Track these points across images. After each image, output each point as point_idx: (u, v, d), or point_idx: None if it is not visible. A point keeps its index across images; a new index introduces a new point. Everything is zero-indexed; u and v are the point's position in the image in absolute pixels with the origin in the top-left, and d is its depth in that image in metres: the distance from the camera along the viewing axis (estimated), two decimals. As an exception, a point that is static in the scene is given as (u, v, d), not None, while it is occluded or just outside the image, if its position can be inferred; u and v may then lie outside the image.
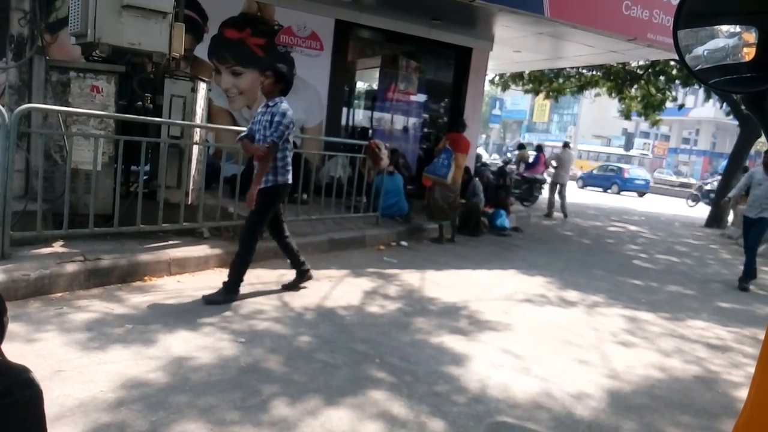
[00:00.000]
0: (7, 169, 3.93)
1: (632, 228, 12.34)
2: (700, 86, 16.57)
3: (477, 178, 8.95)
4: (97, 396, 2.63)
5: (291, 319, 3.99)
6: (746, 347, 4.55)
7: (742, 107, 13.19)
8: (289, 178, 4.43)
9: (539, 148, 14.38)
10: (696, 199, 21.63)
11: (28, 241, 4.26)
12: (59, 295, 3.90)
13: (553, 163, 12.74)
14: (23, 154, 4.64)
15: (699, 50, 0.78)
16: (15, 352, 2.93)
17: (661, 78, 14.64)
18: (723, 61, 0.74)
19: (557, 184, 12.25)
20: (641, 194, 25.38)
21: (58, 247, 4.38)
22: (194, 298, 4.14)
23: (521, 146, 16.35)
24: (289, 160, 4.41)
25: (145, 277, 4.43)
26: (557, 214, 12.31)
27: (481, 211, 8.61)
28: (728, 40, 0.74)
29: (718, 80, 0.76)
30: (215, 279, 4.68)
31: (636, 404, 3.27)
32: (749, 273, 6.93)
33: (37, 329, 3.30)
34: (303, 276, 4.70)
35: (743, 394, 3.73)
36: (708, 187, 21.86)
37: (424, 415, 2.82)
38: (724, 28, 0.77)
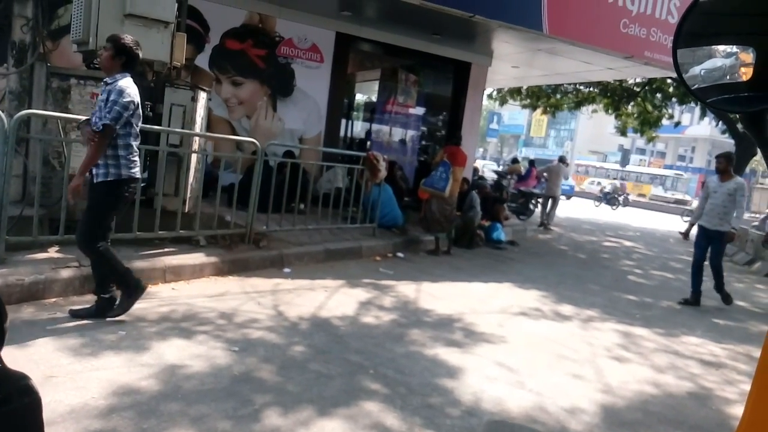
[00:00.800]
0: (4, 174, 3.93)
1: (627, 243, 12.37)
2: (696, 104, 16.70)
3: (474, 191, 8.98)
4: (89, 403, 2.62)
5: (285, 329, 3.98)
6: (740, 364, 4.55)
7: (738, 126, 13.31)
8: (137, 172, 3.70)
9: (531, 163, 14.81)
10: (690, 215, 21.90)
11: (24, 246, 4.25)
12: (53, 300, 3.89)
13: (545, 175, 12.87)
14: (21, 159, 4.64)
15: (696, 69, 0.79)
16: (7, 357, 2.91)
17: (658, 95, 14.78)
18: (720, 80, 0.76)
19: (548, 197, 12.40)
20: (568, 197, 26.28)
21: (53, 253, 4.37)
22: (189, 306, 4.13)
23: (515, 160, 16.53)
24: (136, 149, 3.69)
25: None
26: (553, 228, 12.37)
27: (477, 224, 8.63)
28: (725, 60, 0.76)
29: (717, 99, 0.77)
30: (210, 287, 4.68)
31: (629, 420, 3.27)
32: (696, 295, 6.47)
33: (30, 334, 3.29)
34: (105, 305, 3.72)
35: (737, 410, 3.74)
36: None
37: (418, 427, 2.81)
38: (722, 48, 0.78)
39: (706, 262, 6.50)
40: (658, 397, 3.66)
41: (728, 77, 0.79)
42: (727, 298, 6.63)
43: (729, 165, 6.30)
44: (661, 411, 3.45)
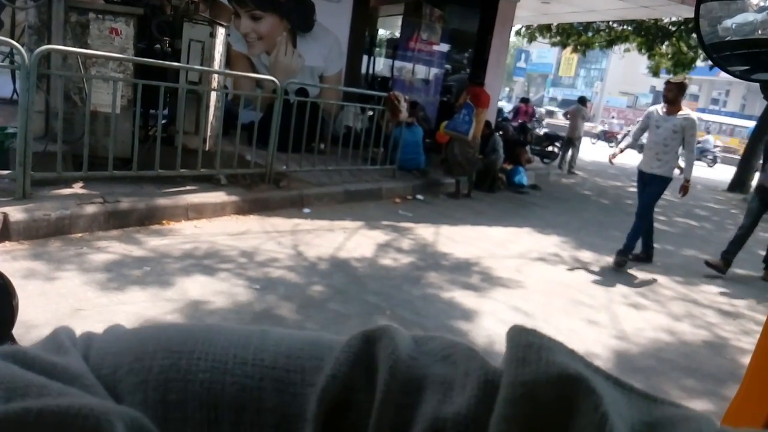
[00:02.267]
0: (27, 109, 3.95)
1: (652, 190, 12.17)
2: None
3: (497, 134, 8.82)
4: (116, 335, 2.72)
5: (305, 269, 4.05)
6: (759, 315, 4.53)
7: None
8: None
9: (524, 100, 15.61)
10: (715, 161, 22.07)
11: (49, 181, 4.33)
12: (79, 235, 3.99)
13: (567, 117, 12.62)
14: (43, 95, 4.65)
15: (728, 22, 0.74)
16: (36, 290, 3.03)
17: (693, 36, 14.09)
18: (751, 35, 0.71)
19: (570, 139, 12.15)
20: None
21: (77, 189, 4.45)
22: (211, 244, 4.21)
23: (524, 99, 16.46)
24: None
25: (163, 221, 4.50)
26: (578, 172, 12.19)
27: (499, 168, 8.53)
28: (757, 14, 0.71)
29: (736, 65, 0.72)
30: (231, 225, 4.75)
31: (643, 366, 3.30)
32: (628, 248, 5.28)
33: (58, 268, 3.39)
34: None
35: (751, 360, 3.76)
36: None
37: (432, 367, 2.88)
38: (754, 1, 0.73)
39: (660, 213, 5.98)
40: (672, 345, 3.68)
41: (759, 32, 0.74)
42: (624, 254, 5.29)
43: (680, 95, 5.07)
44: (674, 358, 3.48)
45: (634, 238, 5.27)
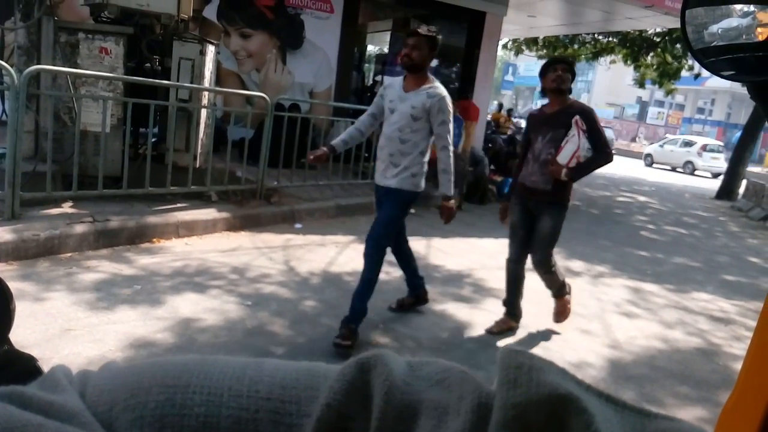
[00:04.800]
0: (16, 130, 3.94)
1: (641, 198, 12.26)
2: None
3: (474, 146, 8.88)
4: (106, 355, 2.70)
5: (297, 284, 4.04)
6: (749, 320, 4.56)
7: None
8: None
9: (504, 109, 15.81)
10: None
11: (38, 201, 4.31)
12: (68, 255, 3.96)
13: None
14: (32, 115, 4.65)
15: (714, 28, 0.76)
16: (25, 310, 3.00)
17: (678, 46, 14.31)
18: (737, 40, 0.73)
19: None
20: None
21: (67, 208, 4.43)
22: (202, 261, 4.20)
23: (501, 106, 16.52)
24: None
25: (154, 239, 4.48)
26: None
27: (488, 179, 8.58)
28: (742, 19, 0.73)
29: (721, 64, 0.74)
30: (222, 242, 4.74)
31: (636, 374, 3.31)
32: (356, 314, 3.19)
33: (47, 288, 3.37)
34: None
35: (743, 366, 3.78)
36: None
37: (426, 380, 2.87)
38: (738, 7, 0.75)
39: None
40: (665, 353, 3.70)
41: (744, 37, 0.76)
42: (416, 298, 3.80)
43: (431, 55, 3.21)
44: (667, 366, 3.49)
45: (363, 295, 3.22)
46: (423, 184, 3.41)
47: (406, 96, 3.21)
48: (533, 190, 3.50)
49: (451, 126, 3.29)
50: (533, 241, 3.60)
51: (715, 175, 20.80)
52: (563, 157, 3.31)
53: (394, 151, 3.26)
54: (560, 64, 3.43)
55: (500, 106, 16.55)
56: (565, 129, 3.32)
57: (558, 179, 3.37)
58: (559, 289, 3.70)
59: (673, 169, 22.54)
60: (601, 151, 3.37)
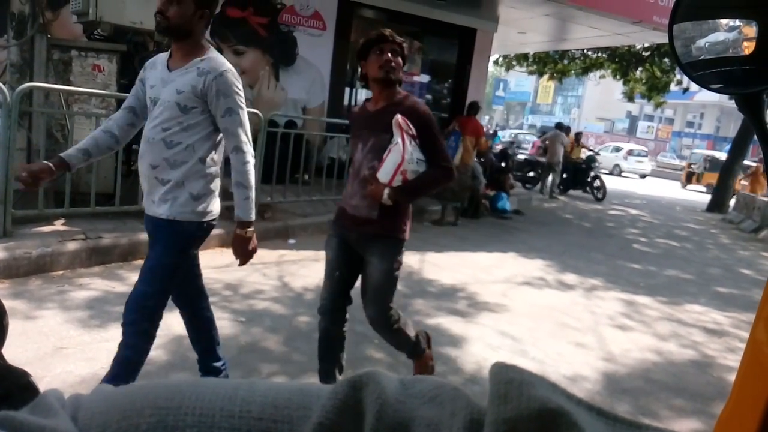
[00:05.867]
0: (8, 147, 3.94)
1: (633, 212, 12.34)
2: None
3: (479, 159, 8.94)
4: (98, 373, 2.67)
5: (290, 300, 4.02)
6: (743, 332, 4.58)
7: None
8: None
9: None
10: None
11: (30, 219, 4.29)
12: (60, 273, 3.93)
13: (546, 143, 12.81)
14: (25, 132, 4.64)
15: (701, 42, 0.78)
16: (17, 329, 2.97)
17: (666, 60, 14.51)
18: (724, 53, 0.75)
19: (550, 165, 12.31)
20: None
21: (59, 226, 4.40)
22: (195, 278, 4.17)
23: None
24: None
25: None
26: (559, 197, 12.36)
27: (481, 194, 8.62)
28: (728, 33, 0.75)
29: (710, 77, 0.76)
30: (216, 258, 4.71)
31: (631, 387, 3.31)
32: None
33: (39, 306, 3.34)
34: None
35: (737, 378, 3.79)
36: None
37: (421, 395, 2.85)
38: (725, 22, 0.77)
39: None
40: (659, 365, 3.70)
41: (731, 51, 0.78)
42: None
43: (192, 19, 2.32)
44: (662, 379, 3.49)
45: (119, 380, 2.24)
46: (215, 208, 2.41)
47: (170, 77, 2.22)
48: (355, 218, 2.53)
49: (244, 116, 2.28)
50: (363, 290, 2.63)
51: (642, 176, 25.16)
52: (384, 174, 2.36)
53: (157, 160, 2.20)
54: (387, 43, 2.41)
55: (501, 127, 16.65)
56: (392, 134, 2.37)
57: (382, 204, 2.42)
58: (413, 349, 2.77)
59: (610, 173, 24.53)
60: (436, 165, 2.44)
